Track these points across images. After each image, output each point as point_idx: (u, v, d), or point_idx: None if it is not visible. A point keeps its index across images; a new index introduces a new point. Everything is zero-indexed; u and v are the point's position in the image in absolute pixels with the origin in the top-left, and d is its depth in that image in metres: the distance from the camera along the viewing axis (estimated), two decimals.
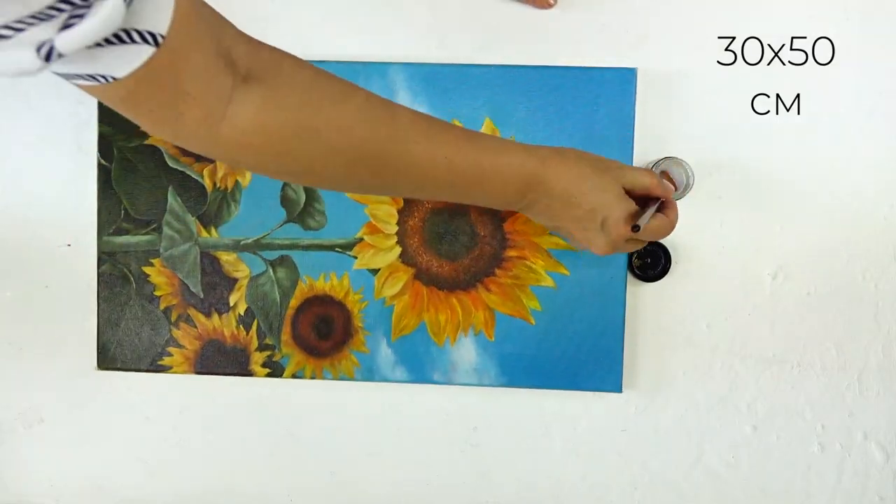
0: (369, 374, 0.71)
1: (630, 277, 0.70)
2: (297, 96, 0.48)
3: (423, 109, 0.69)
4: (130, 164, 0.72)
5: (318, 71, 0.50)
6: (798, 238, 0.70)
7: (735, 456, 0.72)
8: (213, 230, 0.72)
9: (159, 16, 0.39)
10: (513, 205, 0.58)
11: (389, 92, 0.69)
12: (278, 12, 0.71)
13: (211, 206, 0.72)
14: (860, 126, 0.69)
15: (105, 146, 0.72)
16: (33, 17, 0.34)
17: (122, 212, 0.72)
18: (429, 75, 0.69)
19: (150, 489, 0.76)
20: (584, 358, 0.70)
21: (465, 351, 0.71)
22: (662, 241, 0.69)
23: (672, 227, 0.59)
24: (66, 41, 0.35)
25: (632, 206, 0.57)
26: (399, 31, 0.71)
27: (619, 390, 0.70)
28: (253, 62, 0.47)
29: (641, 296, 0.71)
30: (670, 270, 0.70)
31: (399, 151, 0.52)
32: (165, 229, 0.72)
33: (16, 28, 0.34)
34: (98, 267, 0.73)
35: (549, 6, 0.69)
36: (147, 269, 0.72)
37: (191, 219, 0.72)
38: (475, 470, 0.73)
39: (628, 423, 0.72)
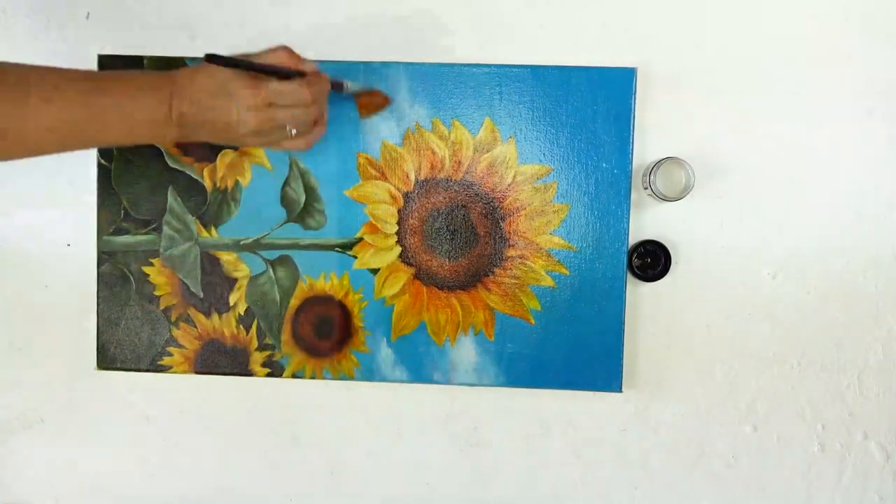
0: (369, 374, 0.71)
1: (630, 277, 0.70)
2: None
3: (422, 110, 0.69)
4: (130, 164, 0.72)
5: None
6: (798, 238, 0.70)
7: (735, 456, 0.72)
8: (213, 230, 0.72)
9: None
10: (157, 119, 0.57)
11: (389, 92, 0.69)
12: (277, 11, 0.71)
13: (211, 206, 0.72)
14: (860, 126, 0.70)
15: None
16: None
17: (122, 212, 0.72)
18: (429, 75, 0.69)
19: (150, 489, 0.76)
20: (584, 358, 0.70)
21: (465, 351, 0.71)
22: (663, 241, 0.69)
23: (305, 95, 0.58)
24: None
25: (257, 77, 0.57)
26: (399, 31, 0.71)
27: (619, 390, 0.70)
28: None
29: (641, 296, 0.71)
30: (670, 270, 0.70)
31: (15, 112, 0.54)
32: (165, 229, 0.72)
33: None
34: (98, 267, 0.73)
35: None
36: (147, 269, 0.72)
37: (191, 219, 0.72)
38: (475, 470, 0.73)
39: (628, 423, 0.72)
